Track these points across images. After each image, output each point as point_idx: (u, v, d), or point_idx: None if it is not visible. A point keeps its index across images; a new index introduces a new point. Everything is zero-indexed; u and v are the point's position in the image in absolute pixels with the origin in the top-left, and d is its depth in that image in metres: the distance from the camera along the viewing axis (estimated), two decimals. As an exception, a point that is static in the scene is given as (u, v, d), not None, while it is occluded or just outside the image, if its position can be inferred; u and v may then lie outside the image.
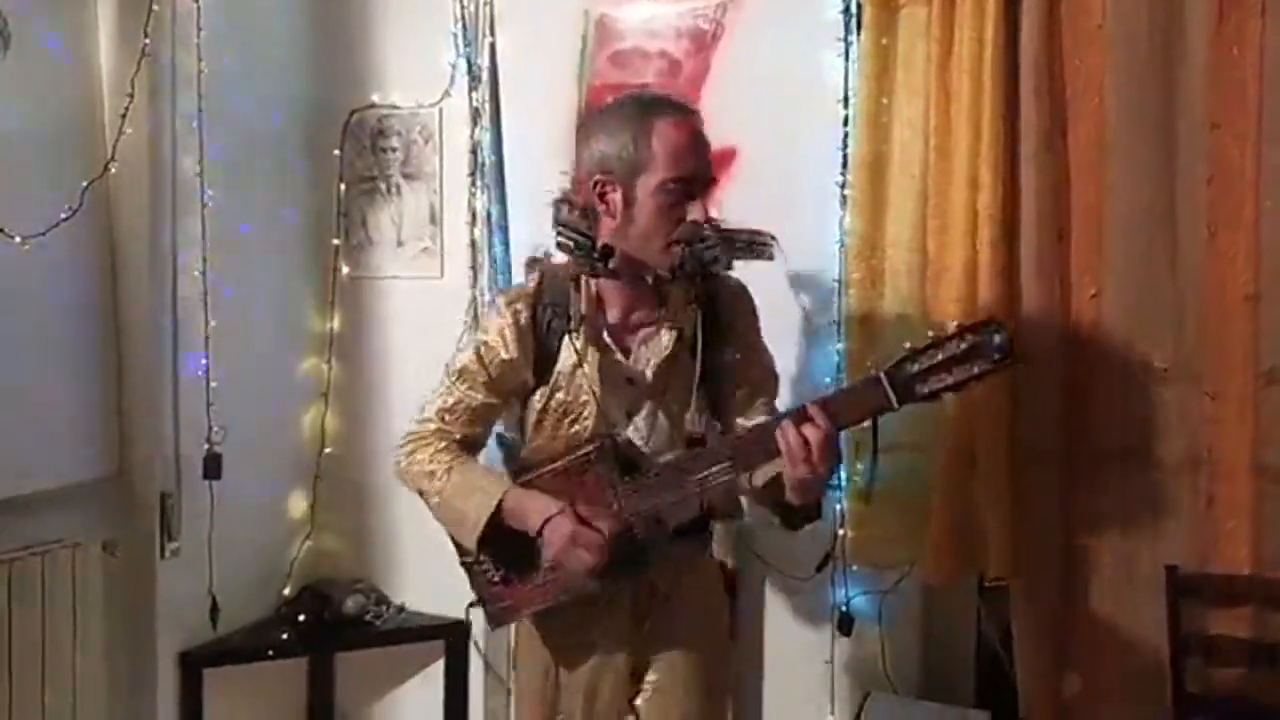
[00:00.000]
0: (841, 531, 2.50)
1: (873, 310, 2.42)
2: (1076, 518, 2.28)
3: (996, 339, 1.39)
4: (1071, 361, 2.25)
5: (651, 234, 1.63)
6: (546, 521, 1.63)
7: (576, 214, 1.66)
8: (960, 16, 2.26)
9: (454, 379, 1.76)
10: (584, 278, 1.70)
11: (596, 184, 1.66)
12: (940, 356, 1.42)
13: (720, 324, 1.73)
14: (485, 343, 1.74)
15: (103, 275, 2.52)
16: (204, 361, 2.64)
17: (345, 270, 2.97)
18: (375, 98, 2.93)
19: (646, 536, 1.63)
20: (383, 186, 2.94)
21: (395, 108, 2.91)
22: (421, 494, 1.75)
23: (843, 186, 2.46)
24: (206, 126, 2.62)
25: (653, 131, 1.61)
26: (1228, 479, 2.14)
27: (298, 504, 2.99)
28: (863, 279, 2.42)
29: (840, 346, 2.48)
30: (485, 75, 2.79)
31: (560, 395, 1.71)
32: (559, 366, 1.70)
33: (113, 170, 2.42)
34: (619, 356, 1.71)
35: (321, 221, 2.97)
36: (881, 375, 1.47)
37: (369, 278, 2.97)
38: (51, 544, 2.33)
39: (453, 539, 1.79)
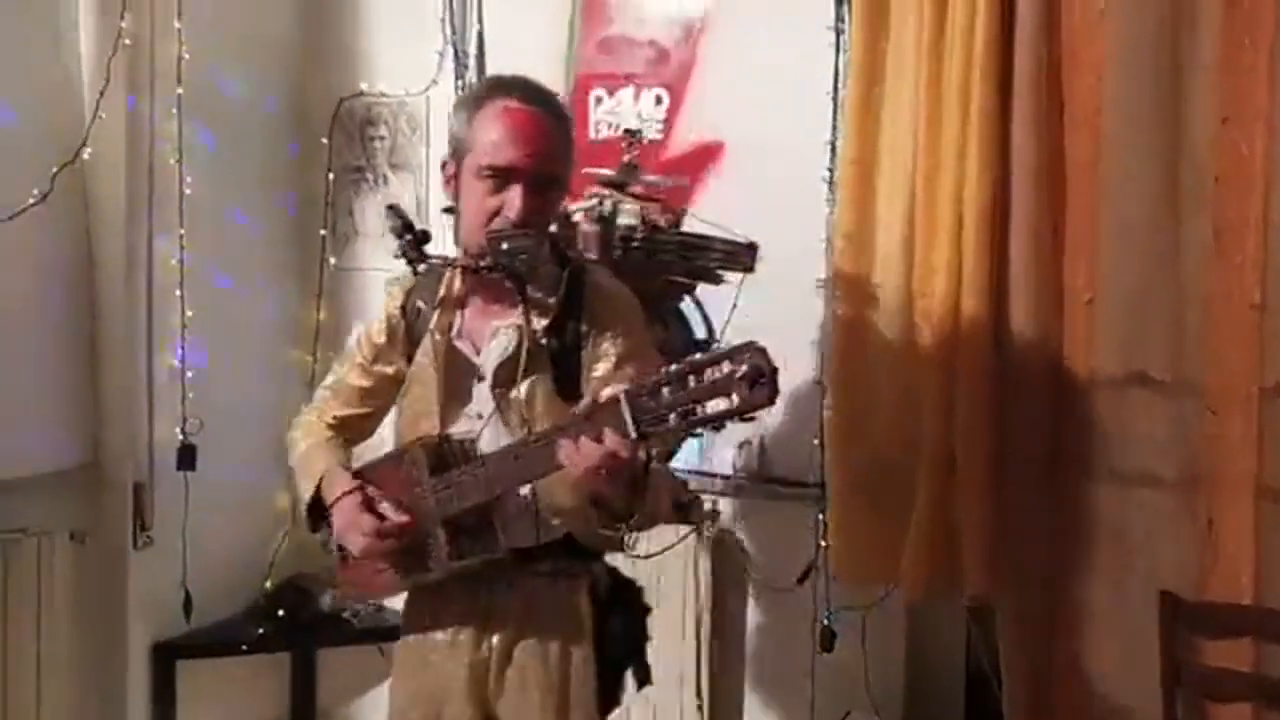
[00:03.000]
0: (823, 543, 2.40)
1: (859, 312, 2.30)
2: (1065, 537, 2.14)
3: (745, 367, 1.15)
4: (1062, 370, 2.12)
5: (471, 221, 1.54)
6: (336, 500, 1.59)
7: None
8: (953, 1, 2.14)
9: (338, 361, 1.77)
10: (449, 271, 1.60)
11: (442, 166, 1.60)
12: (690, 385, 1.20)
13: (579, 326, 1.57)
14: (366, 326, 1.72)
15: (78, 262, 2.51)
16: (180, 351, 2.61)
17: (332, 261, 2.93)
18: (364, 86, 2.89)
19: (455, 546, 1.51)
20: (370, 177, 2.90)
21: (383, 96, 2.87)
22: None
23: (830, 181, 2.35)
24: (190, 113, 2.60)
25: (479, 113, 1.51)
26: (1230, 500, 1.99)
27: (281, 497, 2.95)
28: (849, 278, 2.31)
29: (826, 350, 2.36)
30: (472, 63, 2.73)
31: (416, 388, 1.64)
32: (418, 356, 1.63)
33: (86, 156, 2.40)
34: (469, 353, 1.61)
35: (309, 212, 2.94)
36: (623, 398, 1.25)
37: (355, 269, 2.93)
38: (16, 532, 2.32)
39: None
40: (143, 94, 2.51)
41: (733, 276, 2.27)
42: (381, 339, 1.68)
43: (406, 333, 1.66)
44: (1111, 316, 2.07)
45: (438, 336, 1.60)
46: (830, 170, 2.35)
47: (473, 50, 2.72)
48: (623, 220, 2.08)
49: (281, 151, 2.92)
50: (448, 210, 1.64)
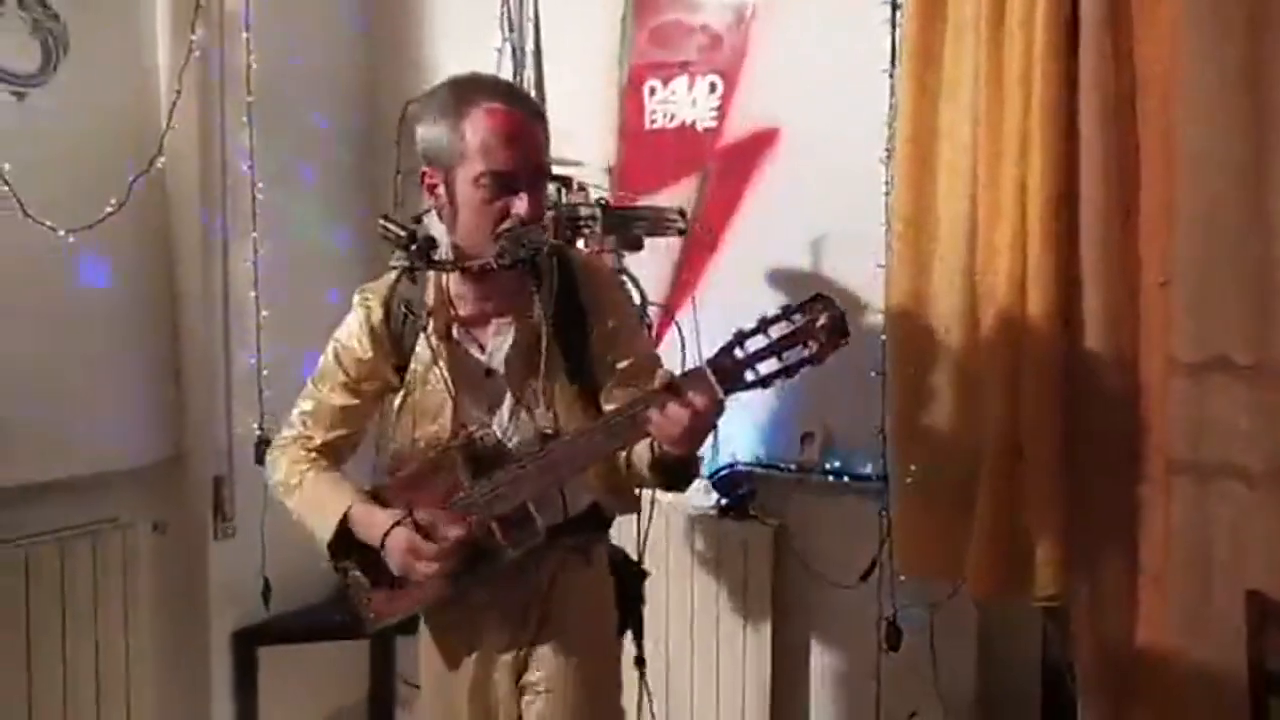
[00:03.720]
0: (887, 539, 2.32)
1: (919, 298, 2.22)
2: (1142, 533, 2.02)
3: (824, 316, 1.28)
4: (1136, 357, 2.00)
5: (474, 227, 1.55)
6: (386, 535, 1.55)
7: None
8: (1013, -27, 2.03)
9: (314, 381, 1.70)
10: (426, 272, 1.60)
11: (423, 176, 1.60)
12: (766, 340, 1.30)
13: (582, 313, 1.61)
14: (341, 342, 1.68)
15: (159, 267, 2.63)
16: (255, 349, 2.71)
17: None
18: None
19: (509, 538, 1.53)
20: (435, 176, 2.94)
21: (446, 96, 2.90)
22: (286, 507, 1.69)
23: (888, 164, 2.27)
24: (261, 121, 2.69)
25: (465, 120, 1.51)
26: (1323, 494, 1.84)
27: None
28: (908, 264, 2.22)
29: (884, 337, 2.29)
30: (530, 59, 2.73)
31: (416, 394, 1.63)
32: (413, 364, 1.63)
33: (160, 165, 2.50)
34: (473, 351, 1.62)
35: (378, 212, 2.99)
36: (705, 368, 1.34)
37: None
38: (102, 523, 2.45)
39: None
40: (213, 103, 2.60)
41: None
42: (367, 354, 1.65)
43: (393, 342, 1.65)
44: (1189, 299, 1.93)
45: (435, 340, 1.60)
46: (888, 152, 2.27)
47: (529, 47, 2.72)
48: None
49: (351, 155, 2.98)
50: (418, 219, 1.63)
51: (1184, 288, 1.94)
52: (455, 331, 1.62)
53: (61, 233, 2.32)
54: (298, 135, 2.82)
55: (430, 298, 1.62)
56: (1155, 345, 1.98)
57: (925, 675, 2.35)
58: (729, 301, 2.54)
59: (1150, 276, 1.98)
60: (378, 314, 1.65)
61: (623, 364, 1.61)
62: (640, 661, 2.25)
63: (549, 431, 1.57)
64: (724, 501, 2.55)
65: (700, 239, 2.54)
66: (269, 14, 2.69)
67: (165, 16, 2.57)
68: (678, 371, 1.41)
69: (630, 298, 1.70)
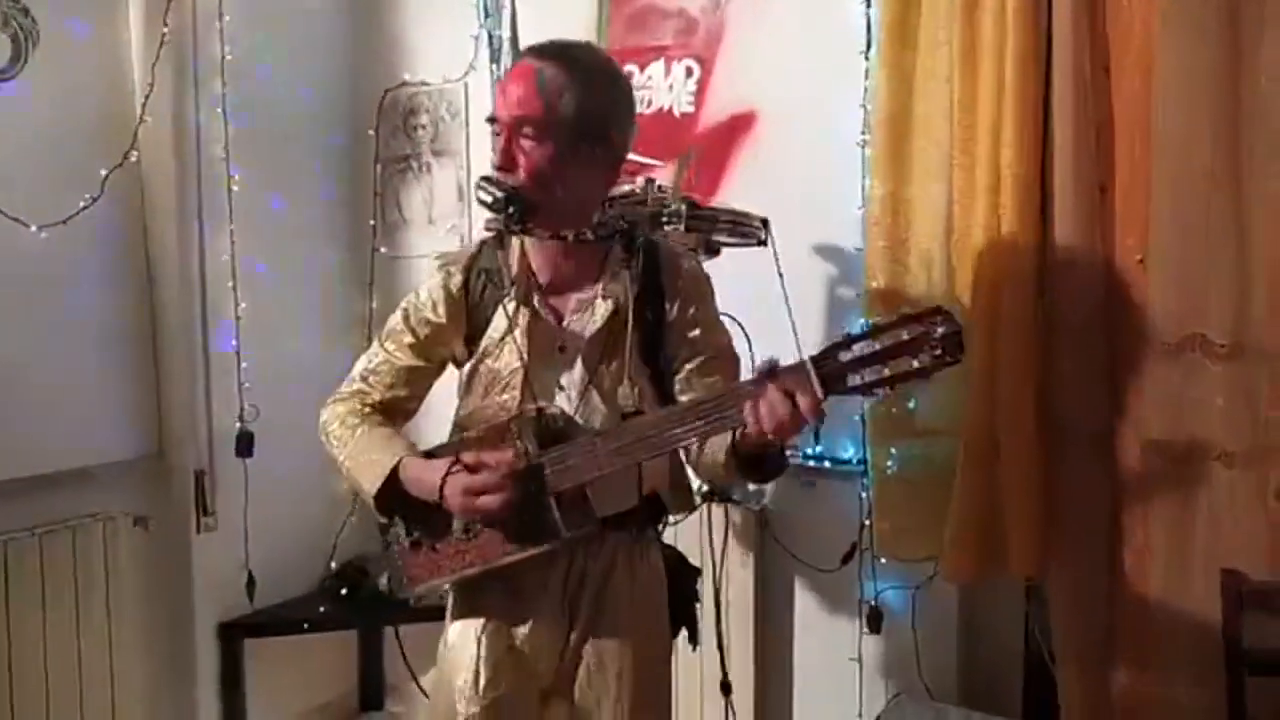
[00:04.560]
0: (867, 522, 2.32)
1: (895, 282, 2.21)
2: (1119, 514, 2.02)
3: (941, 330, 1.23)
4: (1112, 336, 1.99)
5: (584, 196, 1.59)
6: (444, 480, 1.52)
7: None
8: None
9: (381, 340, 1.69)
10: (512, 239, 1.59)
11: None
12: (876, 346, 1.26)
13: (661, 297, 1.60)
14: (415, 304, 1.66)
15: (135, 260, 2.60)
16: (234, 342, 2.70)
17: (382, 250, 2.98)
18: (406, 76, 2.92)
19: (567, 518, 1.50)
20: (415, 165, 2.93)
21: (424, 84, 2.89)
22: (332, 458, 1.66)
23: (864, 146, 2.26)
24: (235, 112, 2.67)
25: None
26: (1300, 473, 1.84)
27: (339, 481, 3.01)
28: (885, 247, 2.22)
29: (862, 322, 2.28)
30: (507, 45, 2.72)
31: (490, 361, 1.61)
32: (490, 332, 1.61)
33: (133, 158, 2.49)
34: (552, 322, 1.60)
35: (357, 202, 2.99)
36: (808, 363, 1.31)
37: (403, 257, 2.97)
38: (84, 518, 2.44)
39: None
40: (187, 94, 2.58)
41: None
42: (441, 319, 1.64)
43: (469, 310, 1.63)
44: (1165, 277, 1.93)
45: (517, 309, 1.59)
46: (864, 134, 2.26)
47: (506, 34, 2.71)
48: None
49: (329, 145, 2.97)
50: (484, 180, 1.59)
51: (1161, 266, 1.93)
52: (535, 300, 1.60)
53: (34, 228, 2.30)
54: (274, 125, 2.80)
55: (515, 264, 1.60)
56: (1132, 324, 1.98)
57: (908, 657, 2.36)
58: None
59: (1126, 255, 1.97)
60: (457, 280, 1.63)
61: (705, 353, 1.61)
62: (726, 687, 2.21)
63: (630, 410, 1.55)
64: (705, 488, 2.55)
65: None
66: (243, 2, 2.66)
67: (138, 6, 2.54)
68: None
69: (713, 291, 1.67)
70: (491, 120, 1.56)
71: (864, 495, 2.34)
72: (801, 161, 2.39)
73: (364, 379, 1.68)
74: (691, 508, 1.76)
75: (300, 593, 2.94)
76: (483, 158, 2.73)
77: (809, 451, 2.45)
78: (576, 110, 1.50)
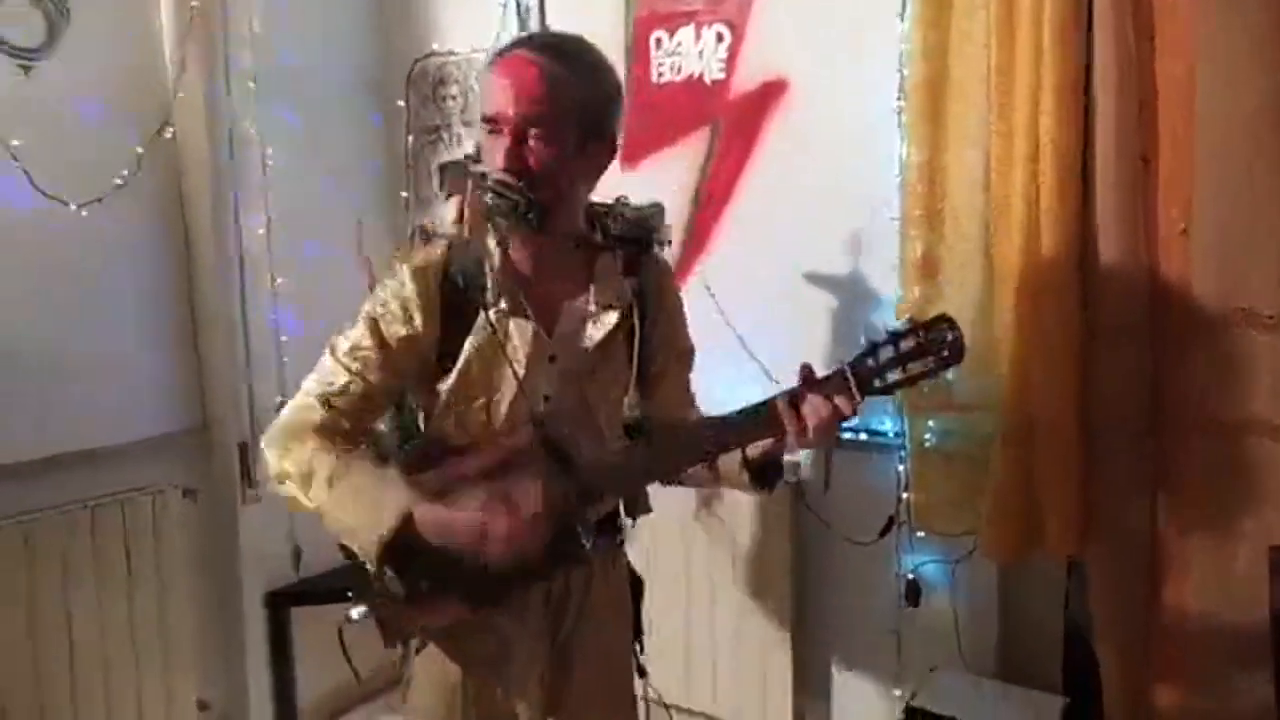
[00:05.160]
0: (905, 495, 2.30)
1: (931, 251, 2.16)
2: (1162, 490, 1.97)
3: (950, 336, 1.36)
4: (1155, 309, 1.92)
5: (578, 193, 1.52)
6: (482, 533, 1.39)
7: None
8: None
9: (343, 356, 1.49)
10: (489, 243, 1.48)
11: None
12: (895, 352, 1.38)
13: (647, 302, 1.57)
14: (384, 315, 1.48)
15: (174, 235, 2.64)
16: (273, 317, 2.73)
17: (416, 223, 2.98)
18: (435, 45, 2.89)
19: (553, 553, 1.46)
20: (445, 136, 2.92)
21: (452, 53, 2.87)
22: (295, 501, 1.47)
23: (900, 113, 2.19)
24: (267, 86, 2.68)
25: (490, 69, 1.46)
26: (1352, 448, 1.78)
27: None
28: (921, 217, 2.16)
29: (899, 294, 2.23)
30: (534, 13, 2.68)
31: (473, 372, 1.49)
32: (471, 341, 1.48)
33: (168, 134, 2.50)
34: (542, 332, 1.51)
35: (391, 175, 2.99)
36: (846, 369, 1.39)
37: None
38: (134, 491, 2.51)
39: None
40: (218, 68, 2.59)
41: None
42: (416, 328, 1.47)
43: (447, 317, 1.48)
44: (1209, 247, 1.86)
45: (506, 318, 1.48)
46: (900, 99, 2.19)
47: (534, 1, 2.67)
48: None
49: (362, 117, 2.96)
50: (496, 182, 1.47)
51: (1205, 237, 1.86)
52: (526, 310, 1.49)
53: (73, 206, 2.34)
54: (305, 99, 2.80)
55: (497, 268, 1.48)
56: (1175, 296, 1.91)
57: (946, 631, 2.34)
58: (739, 260, 2.51)
59: (1169, 225, 1.90)
60: (434, 285, 1.48)
61: (675, 350, 1.63)
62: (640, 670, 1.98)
63: (633, 419, 1.52)
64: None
65: (708, 201, 2.49)
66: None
67: (168, -13, 2.55)
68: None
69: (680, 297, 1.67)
70: (489, 120, 1.43)
71: (901, 468, 2.31)
72: (834, 129, 2.34)
73: (325, 404, 1.48)
74: (648, 511, 1.69)
75: (342, 564, 2.99)
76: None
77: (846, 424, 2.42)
78: (582, 108, 1.43)
